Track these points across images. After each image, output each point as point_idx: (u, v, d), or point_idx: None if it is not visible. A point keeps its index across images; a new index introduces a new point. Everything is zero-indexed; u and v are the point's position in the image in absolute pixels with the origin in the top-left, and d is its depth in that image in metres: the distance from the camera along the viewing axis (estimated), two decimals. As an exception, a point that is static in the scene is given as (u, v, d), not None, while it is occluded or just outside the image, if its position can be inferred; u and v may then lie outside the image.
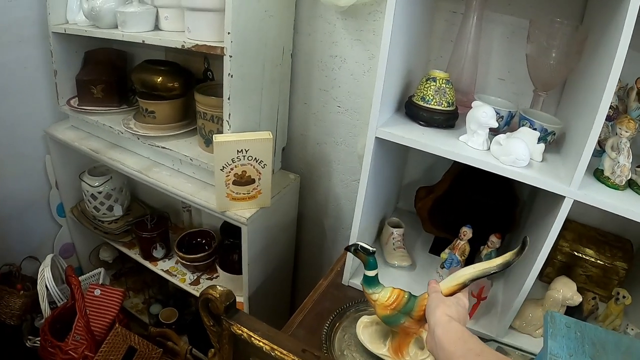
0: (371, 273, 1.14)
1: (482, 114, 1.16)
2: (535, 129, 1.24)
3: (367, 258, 1.13)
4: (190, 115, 1.86)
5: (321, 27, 1.76)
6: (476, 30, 1.43)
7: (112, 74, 2.07)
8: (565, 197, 1.07)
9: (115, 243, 2.28)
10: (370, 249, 1.13)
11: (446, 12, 1.55)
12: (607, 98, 0.95)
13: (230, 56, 1.41)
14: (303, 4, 1.75)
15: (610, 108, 1.25)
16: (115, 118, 2.02)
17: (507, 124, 1.33)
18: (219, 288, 1.11)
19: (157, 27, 1.77)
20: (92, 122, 2.03)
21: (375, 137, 1.22)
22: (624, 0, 0.89)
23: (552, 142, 1.27)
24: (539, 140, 1.20)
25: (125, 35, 1.70)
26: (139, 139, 1.84)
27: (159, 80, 1.78)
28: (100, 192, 2.18)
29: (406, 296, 1.12)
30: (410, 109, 1.31)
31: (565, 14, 1.38)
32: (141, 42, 1.65)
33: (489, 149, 1.19)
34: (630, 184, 1.16)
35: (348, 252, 1.20)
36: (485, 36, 1.47)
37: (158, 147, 1.79)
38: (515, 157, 1.11)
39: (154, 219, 2.14)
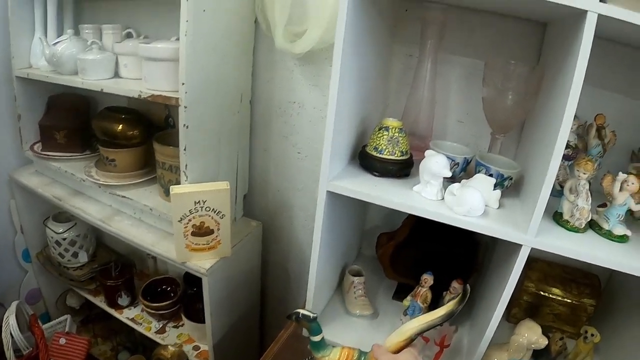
0: (316, 338, 1.12)
1: (434, 164, 1.15)
2: (491, 175, 1.23)
3: (310, 325, 1.11)
4: (151, 162, 1.83)
5: (279, 73, 1.76)
6: (432, 73, 1.43)
7: (75, 120, 2.05)
8: (522, 245, 1.06)
9: (81, 290, 2.22)
10: (311, 315, 1.10)
11: (402, 56, 1.55)
12: (563, 138, 0.95)
13: (185, 107, 1.40)
14: (261, 50, 1.75)
15: (569, 147, 1.27)
16: (78, 165, 1.99)
17: (464, 170, 1.33)
18: (170, 348, 1.08)
19: (117, 74, 1.76)
20: (55, 168, 2.00)
21: (327, 191, 1.21)
22: (577, 36, 0.91)
23: (510, 186, 1.26)
24: (495, 186, 1.19)
25: (85, 82, 1.69)
26: (100, 187, 1.82)
27: (119, 128, 1.77)
28: (64, 239, 2.13)
29: (356, 355, 1.10)
30: (364, 160, 1.30)
31: (522, 55, 1.40)
32: (100, 90, 1.64)
33: (443, 198, 1.18)
34: (592, 225, 1.15)
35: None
36: (442, 79, 1.48)
37: (119, 196, 1.77)
38: (469, 207, 1.10)
39: (118, 267, 2.09)
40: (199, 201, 1.46)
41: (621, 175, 1.09)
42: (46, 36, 1.98)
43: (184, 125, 1.42)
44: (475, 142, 1.52)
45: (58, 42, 1.84)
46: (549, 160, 0.97)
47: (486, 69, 1.32)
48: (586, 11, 0.87)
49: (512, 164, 1.28)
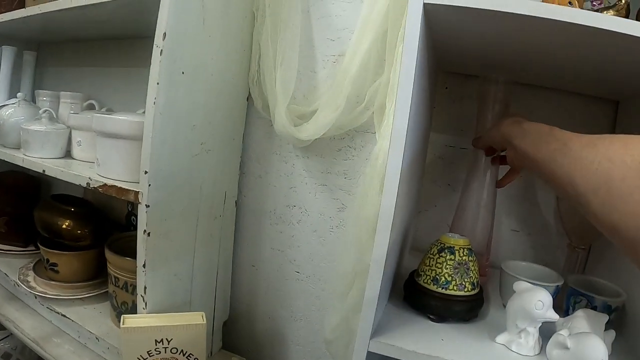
0: None
1: (536, 304, 0.76)
2: (595, 308, 0.87)
3: None
4: (104, 272, 1.40)
5: (276, 167, 1.41)
6: (493, 169, 1.05)
7: (20, 205, 1.69)
8: None
9: (12, 419, 1.75)
10: None
11: (440, 147, 1.23)
12: None
13: (148, 206, 0.99)
14: (253, 136, 1.41)
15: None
16: (17, 262, 1.60)
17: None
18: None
19: (69, 154, 1.41)
20: None
21: (368, 351, 0.77)
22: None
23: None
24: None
25: (26, 160, 1.34)
26: (36, 297, 1.39)
27: (64, 225, 1.37)
28: (-5, 352, 1.72)
29: None
30: (415, 295, 0.87)
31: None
32: (41, 171, 1.27)
33: (540, 352, 0.79)
34: None
35: None
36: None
37: (58, 313, 1.33)
38: (593, 366, 0.70)
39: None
40: (161, 340, 1.01)
41: None
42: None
43: (145, 231, 1.00)
44: (534, 256, 1.18)
45: (4, 105, 1.54)
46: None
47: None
48: None
49: (613, 289, 0.93)
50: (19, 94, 1.54)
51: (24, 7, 1.53)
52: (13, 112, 1.48)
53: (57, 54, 1.87)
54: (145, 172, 0.98)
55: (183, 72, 1.01)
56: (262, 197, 1.44)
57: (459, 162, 1.22)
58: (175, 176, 1.06)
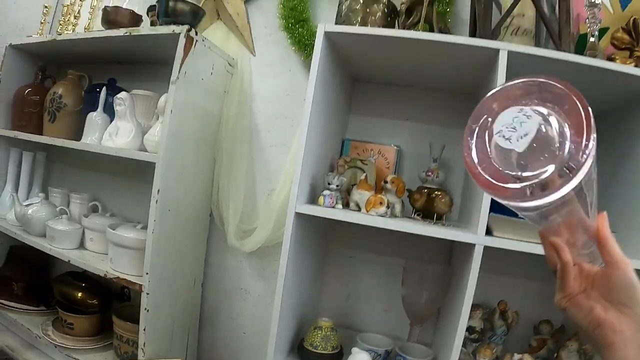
0: None
1: None
2: None
3: None
4: (107, 328, 1.93)
5: (230, 261, 2.00)
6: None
7: (34, 274, 2.17)
8: None
9: None
10: None
11: (338, 256, 1.83)
12: (461, 330, 1.19)
13: (148, 293, 1.58)
14: (214, 238, 1.99)
15: (476, 332, 1.51)
16: (33, 319, 2.05)
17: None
18: None
19: (82, 244, 1.93)
20: (11, 319, 2.06)
21: None
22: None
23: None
24: (413, 373, 1.40)
25: (53, 250, 1.85)
26: (56, 347, 1.89)
27: (79, 295, 1.90)
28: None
29: None
30: (302, 353, 1.50)
31: (436, 257, 1.68)
32: (67, 261, 1.80)
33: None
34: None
35: None
36: (368, 274, 1.77)
37: (74, 358, 1.85)
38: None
39: None
40: (154, 378, 1.60)
41: (516, 356, 1.31)
42: (17, 191, 2.16)
43: (146, 309, 1.59)
44: (399, 330, 1.72)
45: (30, 204, 2.00)
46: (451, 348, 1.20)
47: (405, 272, 1.60)
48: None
49: (426, 352, 1.51)
50: (40, 194, 2.05)
51: (41, 124, 2.03)
52: (37, 209, 1.97)
53: (64, 156, 2.32)
54: (147, 273, 1.57)
55: (169, 210, 1.62)
56: (220, 281, 2.03)
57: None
58: (165, 272, 1.66)
